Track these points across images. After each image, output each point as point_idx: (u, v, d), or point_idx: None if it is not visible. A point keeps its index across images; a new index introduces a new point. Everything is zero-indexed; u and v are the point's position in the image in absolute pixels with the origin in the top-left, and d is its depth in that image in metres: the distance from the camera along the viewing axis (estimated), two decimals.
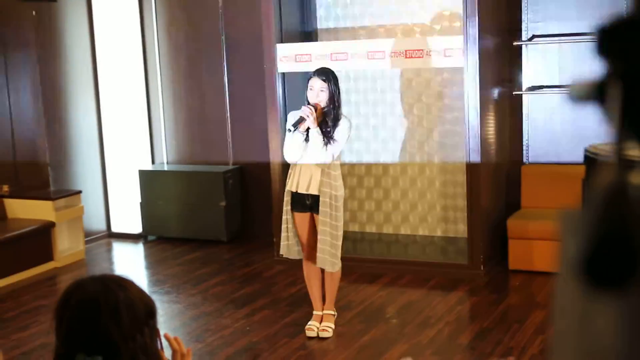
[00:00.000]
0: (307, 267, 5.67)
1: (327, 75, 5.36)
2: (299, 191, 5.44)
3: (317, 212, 5.42)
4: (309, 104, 5.36)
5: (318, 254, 5.44)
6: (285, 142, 5.45)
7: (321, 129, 5.32)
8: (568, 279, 0.68)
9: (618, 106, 0.67)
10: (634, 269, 0.60)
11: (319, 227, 5.41)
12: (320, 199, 5.37)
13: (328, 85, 5.32)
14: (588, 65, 6.61)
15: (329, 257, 5.42)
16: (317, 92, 5.33)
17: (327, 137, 5.31)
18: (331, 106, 5.33)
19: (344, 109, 7.83)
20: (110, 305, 1.93)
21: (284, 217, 5.60)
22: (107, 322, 1.92)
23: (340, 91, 5.44)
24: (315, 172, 5.39)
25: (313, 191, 5.40)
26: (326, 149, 5.29)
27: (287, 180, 5.54)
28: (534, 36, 7.05)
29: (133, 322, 1.95)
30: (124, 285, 2.01)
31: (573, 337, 0.71)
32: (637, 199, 0.63)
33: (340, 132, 5.34)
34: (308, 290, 5.76)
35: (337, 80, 5.41)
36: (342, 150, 5.52)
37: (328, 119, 5.34)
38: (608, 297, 0.62)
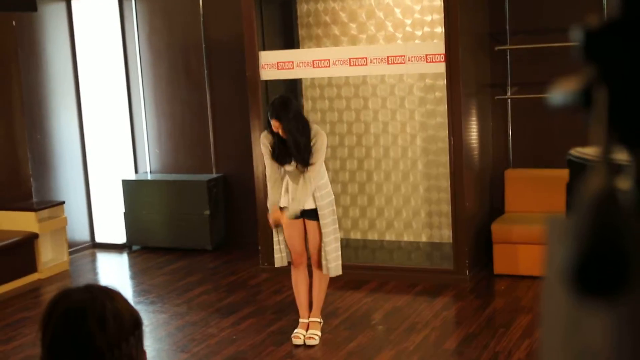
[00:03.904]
0: (295, 274, 5.68)
1: (277, 113, 5.29)
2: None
3: (309, 217, 5.52)
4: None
5: (331, 264, 5.53)
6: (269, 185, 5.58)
7: (297, 159, 5.35)
8: (555, 285, 0.67)
9: (604, 110, 0.66)
10: (624, 276, 0.59)
11: (325, 239, 5.50)
12: (319, 212, 5.47)
13: (280, 122, 5.26)
14: (573, 68, 6.63)
15: (336, 261, 5.57)
16: (276, 128, 5.32)
17: (304, 162, 5.35)
18: (293, 136, 5.30)
19: (328, 115, 7.86)
20: (96, 312, 1.91)
21: (274, 230, 5.66)
22: (93, 329, 1.90)
23: (300, 117, 5.38)
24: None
25: (309, 207, 5.49)
26: (310, 176, 5.36)
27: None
28: (516, 40, 7.07)
29: (119, 330, 1.93)
30: (111, 294, 1.99)
31: (561, 345, 0.70)
32: (626, 204, 0.62)
33: (317, 151, 5.37)
34: (295, 297, 5.75)
35: (291, 111, 5.32)
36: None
37: (297, 149, 5.33)
38: (597, 305, 0.61)
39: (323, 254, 5.55)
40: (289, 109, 5.33)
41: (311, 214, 5.51)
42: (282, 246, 5.66)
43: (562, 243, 0.63)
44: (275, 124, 5.32)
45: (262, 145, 5.50)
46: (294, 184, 5.44)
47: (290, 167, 5.42)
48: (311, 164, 5.36)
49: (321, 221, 5.48)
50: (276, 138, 5.38)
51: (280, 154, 5.40)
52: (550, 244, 0.68)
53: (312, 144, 5.35)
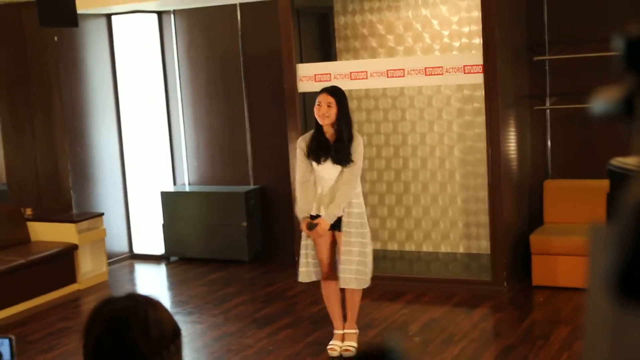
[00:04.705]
0: (325, 286, 5.61)
1: (334, 91, 5.31)
2: (321, 215, 5.37)
3: (339, 229, 5.40)
4: (317, 122, 5.33)
5: (341, 275, 5.39)
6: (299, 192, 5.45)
7: (338, 150, 5.27)
8: (599, 293, 0.68)
9: None
10: None
11: (343, 248, 5.35)
12: (344, 219, 5.34)
13: (336, 100, 5.25)
14: (613, 78, 6.57)
15: (355, 274, 5.37)
16: (325, 107, 5.24)
17: (345, 157, 5.27)
18: (342, 123, 5.28)
19: (365, 127, 7.86)
20: (139, 319, 1.93)
21: (303, 243, 5.55)
22: (136, 335, 1.92)
23: (349, 109, 5.39)
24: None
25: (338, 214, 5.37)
26: (348, 171, 5.27)
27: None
28: (555, 51, 7.03)
29: (161, 337, 1.95)
30: (152, 302, 2.01)
31: (604, 352, 0.70)
32: None
33: (357, 152, 5.30)
34: (328, 309, 5.71)
35: (346, 98, 5.35)
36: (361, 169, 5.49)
37: (344, 136, 5.29)
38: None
39: (336, 262, 5.41)
40: (343, 95, 5.33)
41: (339, 225, 5.39)
42: (310, 260, 5.51)
43: (604, 251, 0.64)
44: (326, 99, 5.23)
45: (298, 147, 5.40)
46: (327, 189, 5.35)
47: (325, 167, 5.32)
48: (351, 160, 5.25)
49: (344, 229, 5.32)
50: (314, 138, 5.32)
51: (316, 150, 5.29)
52: (592, 253, 0.69)
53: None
